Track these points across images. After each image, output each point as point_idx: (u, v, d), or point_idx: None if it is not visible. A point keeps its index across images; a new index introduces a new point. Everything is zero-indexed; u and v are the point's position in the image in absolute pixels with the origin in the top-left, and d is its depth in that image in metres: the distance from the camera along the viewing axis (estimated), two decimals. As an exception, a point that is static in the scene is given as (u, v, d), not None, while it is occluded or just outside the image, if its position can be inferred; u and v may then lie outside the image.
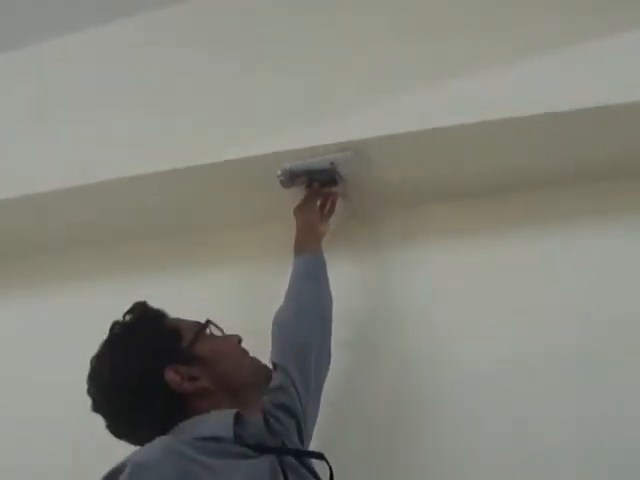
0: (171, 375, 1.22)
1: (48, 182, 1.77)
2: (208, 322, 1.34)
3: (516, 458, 1.48)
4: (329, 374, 1.52)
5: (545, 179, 1.69)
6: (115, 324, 1.31)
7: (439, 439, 1.55)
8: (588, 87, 1.48)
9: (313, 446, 1.43)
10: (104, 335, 1.29)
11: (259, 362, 1.35)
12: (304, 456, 1.27)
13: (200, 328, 1.32)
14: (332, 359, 1.54)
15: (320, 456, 1.26)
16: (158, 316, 1.33)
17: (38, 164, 1.81)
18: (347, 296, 1.67)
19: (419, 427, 1.57)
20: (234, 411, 1.19)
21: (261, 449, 1.18)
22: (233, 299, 1.81)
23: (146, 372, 1.23)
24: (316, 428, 1.47)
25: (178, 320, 1.33)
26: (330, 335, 1.55)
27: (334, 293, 1.60)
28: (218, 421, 1.18)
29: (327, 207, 1.73)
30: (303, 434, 1.40)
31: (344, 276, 1.70)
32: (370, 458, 1.56)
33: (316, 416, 1.48)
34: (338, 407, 1.59)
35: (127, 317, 1.31)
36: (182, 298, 1.72)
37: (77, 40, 1.90)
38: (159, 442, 1.09)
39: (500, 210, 1.72)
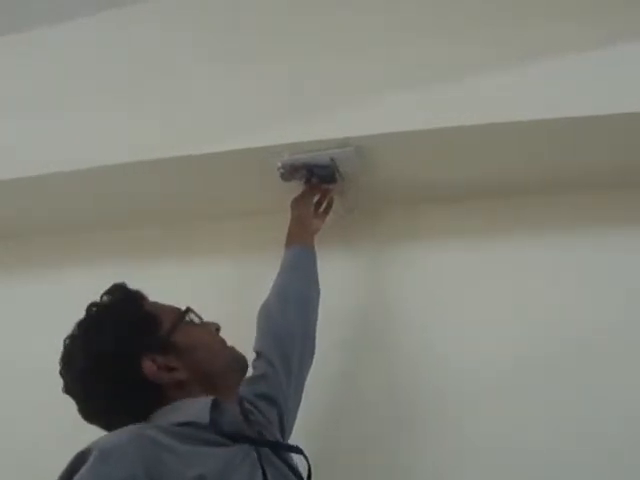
0: (148, 365, 1.19)
1: (49, 164, 1.76)
2: (188, 310, 1.30)
3: (506, 459, 1.48)
4: (321, 373, 1.51)
5: (546, 183, 1.69)
6: (91, 305, 1.27)
7: (432, 439, 1.55)
8: (593, 94, 1.48)
9: (304, 446, 1.38)
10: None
11: (236, 351, 1.32)
12: (282, 449, 1.24)
13: (179, 316, 1.28)
14: (325, 358, 1.53)
15: (298, 450, 1.25)
16: (136, 299, 1.28)
17: (38, 147, 1.81)
18: (342, 294, 1.68)
19: (413, 427, 1.57)
20: (212, 398, 1.17)
21: (237, 438, 1.16)
22: (227, 290, 1.81)
23: (122, 359, 1.19)
24: (308, 427, 1.45)
25: (157, 305, 1.29)
26: (315, 327, 1.53)
27: (329, 291, 1.59)
28: (195, 407, 1.16)
29: (323, 205, 1.73)
30: (284, 424, 1.38)
31: (339, 274, 1.71)
32: (361, 457, 1.56)
33: (297, 409, 1.45)
34: (331, 406, 1.60)
35: (104, 298, 1.28)
36: (178, 287, 1.71)
37: (79, 27, 1.88)
38: (129, 428, 1.08)
39: (498, 212, 1.73)
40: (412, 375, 1.62)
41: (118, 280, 1.76)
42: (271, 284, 1.57)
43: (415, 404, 1.59)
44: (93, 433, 1.13)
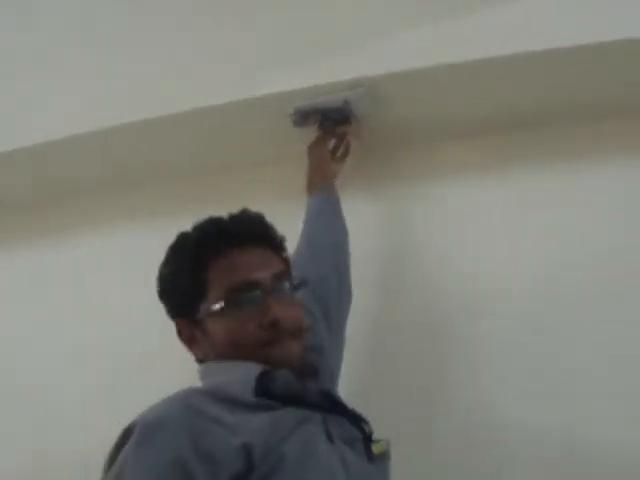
0: (180, 324, 1.22)
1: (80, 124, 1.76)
2: (242, 288, 1.17)
3: (546, 387, 1.49)
4: (352, 314, 1.50)
5: (561, 114, 1.65)
6: (180, 235, 1.24)
7: (463, 374, 1.56)
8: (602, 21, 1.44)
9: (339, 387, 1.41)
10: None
11: (288, 354, 1.17)
12: (336, 413, 1.16)
13: (226, 302, 1.16)
14: (353, 299, 1.52)
15: (355, 416, 1.19)
16: (209, 258, 1.18)
17: (58, 109, 1.79)
18: (364, 235, 1.66)
19: (443, 362, 1.58)
20: (258, 371, 1.10)
21: (288, 401, 1.10)
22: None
23: (172, 307, 1.23)
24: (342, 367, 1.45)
25: (223, 271, 1.18)
26: (349, 272, 1.52)
27: (351, 233, 1.58)
28: (239, 379, 1.10)
29: (340, 150, 1.71)
30: (334, 375, 1.37)
31: (360, 215, 1.68)
32: (395, 396, 1.56)
33: (342, 357, 1.44)
34: (360, 346, 1.59)
35: (190, 236, 1.23)
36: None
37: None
38: (175, 398, 1.03)
39: (515, 147, 1.70)
40: (438, 311, 1.63)
41: (135, 239, 1.81)
42: (288, 232, 1.49)
43: (443, 339, 1.60)
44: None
